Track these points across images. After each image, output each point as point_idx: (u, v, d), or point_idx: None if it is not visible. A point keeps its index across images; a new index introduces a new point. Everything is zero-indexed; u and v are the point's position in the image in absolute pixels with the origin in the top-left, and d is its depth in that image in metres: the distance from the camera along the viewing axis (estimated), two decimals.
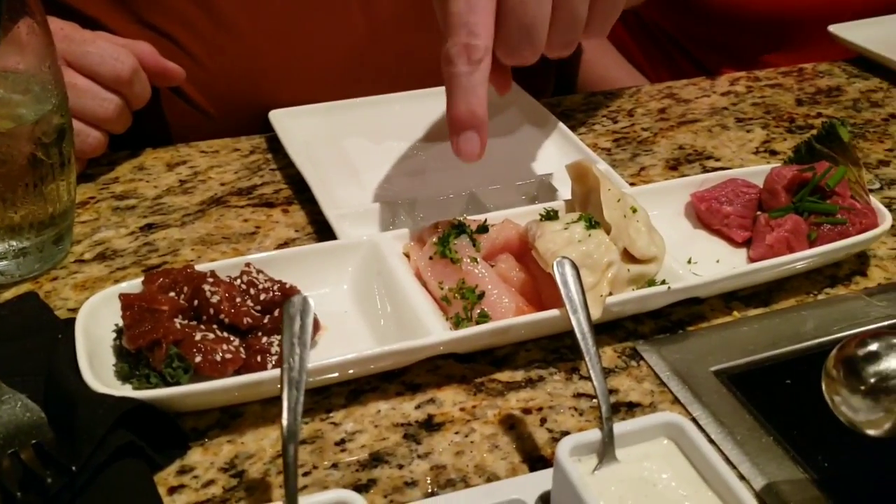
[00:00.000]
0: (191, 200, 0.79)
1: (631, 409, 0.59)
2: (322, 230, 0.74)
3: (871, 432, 0.48)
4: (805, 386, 0.61)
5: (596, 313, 0.60)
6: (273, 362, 0.57)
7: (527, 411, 0.58)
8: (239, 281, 0.60)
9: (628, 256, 0.65)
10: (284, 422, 0.45)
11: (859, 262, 0.73)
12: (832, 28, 1.07)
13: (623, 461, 0.49)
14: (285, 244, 0.73)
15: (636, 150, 0.89)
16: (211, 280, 0.59)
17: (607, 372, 0.62)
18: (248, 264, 0.62)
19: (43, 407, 0.53)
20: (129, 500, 0.50)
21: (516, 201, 0.78)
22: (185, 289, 0.59)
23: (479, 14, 0.63)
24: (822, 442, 0.57)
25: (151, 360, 0.56)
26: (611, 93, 1.01)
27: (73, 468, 0.48)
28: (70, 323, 0.59)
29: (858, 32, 1.07)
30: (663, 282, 0.64)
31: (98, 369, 0.56)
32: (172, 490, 0.52)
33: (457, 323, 0.62)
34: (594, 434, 0.49)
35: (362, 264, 0.66)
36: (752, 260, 0.71)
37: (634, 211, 0.67)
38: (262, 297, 0.60)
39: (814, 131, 0.78)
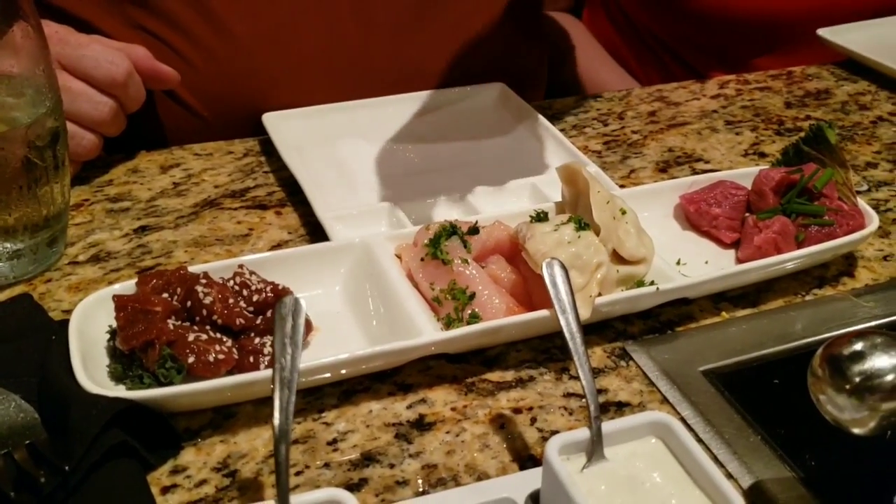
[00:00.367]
0: (184, 202, 0.79)
1: (620, 408, 0.60)
2: (315, 232, 0.74)
3: (856, 431, 0.49)
4: (792, 385, 0.61)
5: (585, 314, 0.61)
6: (265, 363, 0.58)
7: (517, 411, 0.59)
8: (232, 282, 0.61)
9: (617, 258, 0.65)
10: (276, 421, 0.45)
11: (847, 264, 0.74)
12: (821, 31, 1.08)
13: (611, 460, 0.49)
14: (278, 246, 0.74)
15: (626, 152, 0.90)
16: (204, 281, 0.60)
17: (597, 372, 0.62)
18: (241, 266, 0.62)
19: (37, 408, 0.53)
20: (122, 500, 0.50)
21: (508, 203, 0.78)
22: (179, 290, 0.60)
23: None
24: (808, 441, 0.57)
25: (145, 361, 0.57)
26: (601, 96, 1.02)
27: (67, 468, 0.49)
28: (64, 324, 0.59)
29: (847, 36, 1.08)
30: (652, 282, 0.65)
31: (92, 370, 0.56)
32: (165, 490, 0.53)
33: (448, 323, 0.62)
34: (583, 433, 0.49)
35: (355, 265, 0.67)
36: (740, 261, 0.72)
37: (623, 213, 0.67)
38: (255, 298, 0.60)
39: (802, 134, 0.79)
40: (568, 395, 0.60)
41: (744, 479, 0.55)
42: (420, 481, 0.54)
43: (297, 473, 0.54)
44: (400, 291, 0.63)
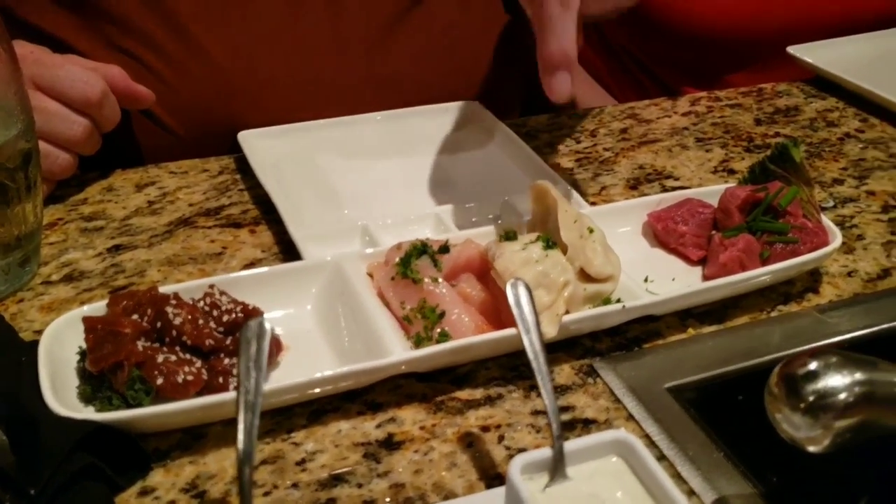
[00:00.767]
0: (158, 221, 0.80)
1: (587, 425, 0.61)
2: (288, 250, 0.75)
3: (811, 449, 0.50)
4: (756, 402, 0.62)
5: (552, 331, 0.62)
6: (235, 384, 0.58)
7: (485, 429, 0.60)
8: (202, 303, 0.61)
9: (585, 276, 0.66)
10: (240, 445, 0.46)
11: (812, 280, 0.75)
12: (791, 49, 1.10)
13: (573, 478, 0.50)
14: (251, 265, 0.74)
15: (598, 169, 0.91)
16: (174, 302, 0.60)
17: (564, 389, 0.63)
18: (211, 286, 0.63)
19: (4, 430, 0.53)
20: None
21: (480, 221, 0.79)
22: (149, 311, 0.60)
23: None
24: (771, 457, 0.58)
25: (114, 383, 0.57)
26: (575, 113, 1.03)
27: (33, 492, 0.49)
28: (34, 345, 0.59)
29: (816, 53, 1.10)
30: (619, 300, 0.66)
31: (61, 392, 0.56)
32: None
33: (417, 342, 0.63)
34: (545, 452, 0.50)
35: (326, 285, 0.68)
36: (706, 278, 0.73)
37: (591, 231, 0.68)
38: (225, 318, 0.61)
39: (769, 151, 0.81)
40: (536, 413, 0.61)
41: (707, 496, 0.56)
42: (388, 501, 0.55)
43: (266, 494, 0.55)
44: (370, 310, 0.64)
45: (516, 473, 0.48)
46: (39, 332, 0.62)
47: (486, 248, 0.67)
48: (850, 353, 0.50)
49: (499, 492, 0.52)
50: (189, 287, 0.63)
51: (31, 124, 0.68)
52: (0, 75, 0.64)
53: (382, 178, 0.86)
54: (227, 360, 0.59)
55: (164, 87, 0.87)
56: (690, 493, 0.56)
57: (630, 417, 0.61)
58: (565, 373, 0.65)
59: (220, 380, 0.58)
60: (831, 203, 0.87)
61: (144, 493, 0.54)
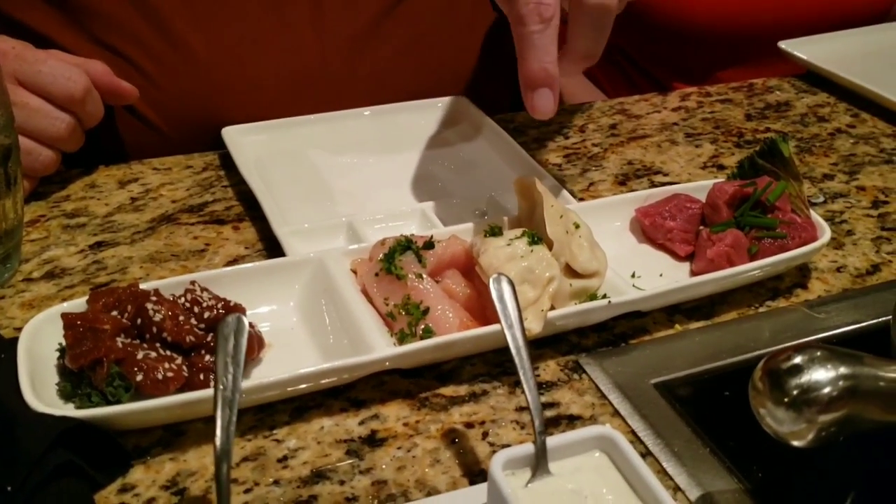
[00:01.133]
0: (141, 218, 0.79)
1: (572, 421, 0.60)
2: (272, 247, 0.74)
3: (795, 443, 0.49)
4: (743, 398, 0.62)
5: (537, 328, 0.61)
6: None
7: (469, 425, 0.59)
8: (183, 299, 0.61)
9: (571, 271, 0.66)
10: (217, 441, 0.45)
11: (801, 275, 0.75)
12: (782, 44, 1.10)
13: (556, 474, 0.50)
14: (235, 261, 0.74)
15: (586, 165, 0.91)
16: (154, 299, 0.59)
17: (549, 385, 0.63)
18: (192, 282, 0.62)
19: None
20: None
21: (467, 217, 0.79)
22: (129, 307, 0.59)
23: None
24: (757, 453, 0.58)
25: (93, 379, 0.56)
26: (564, 109, 1.02)
27: (9, 489, 0.48)
28: (13, 342, 0.59)
29: (807, 48, 1.10)
30: (605, 296, 0.66)
31: (40, 389, 0.56)
32: None
33: (401, 338, 0.63)
34: (528, 448, 0.50)
35: (309, 281, 0.67)
36: (694, 274, 0.72)
37: (577, 226, 0.68)
38: (206, 315, 0.60)
39: (759, 146, 0.80)
40: (520, 409, 0.61)
41: (692, 492, 0.55)
42: (370, 497, 0.54)
43: (247, 491, 0.54)
44: (354, 307, 0.64)
45: (498, 469, 0.48)
46: (20, 330, 0.61)
47: (472, 244, 0.67)
48: (835, 348, 0.49)
49: (481, 488, 0.52)
50: (170, 283, 0.63)
51: (11, 120, 0.67)
52: None
53: (368, 174, 0.86)
54: (208, 357, 0.59)
55: (147, 83, 0.86)
56: (676, 489, 0.55)
57: (616, 413, 0.61)
58: (551, 369, 0.64)
59: (202, 377, 0.58)
60: (821, 198, 0.87)
61: (124, 490, 0.54)
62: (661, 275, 0.72)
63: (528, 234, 0.65)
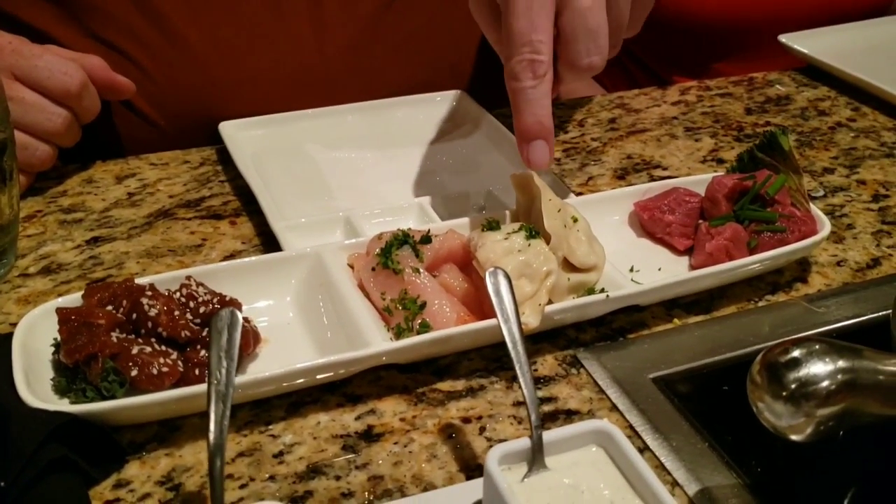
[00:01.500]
0: (138, 213, 0.79)
1: (569, 416, 0.60)
2: (269, 242, 0.74)
3: (793, 437, 0.49)
4: (741, 393, 0.61)
5: (534, 322, 0.61)
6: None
7: (466, 420, 0.59)
8: (178, 294, 0.60)
9: (569, 266, 0.66)
10: (211, 435, 0.45)
11: (800, 269, 0.75)
12: (782, 38, 1.09)
13: (553, 469, 0.49)
14: (231, 256, 0.73)
15: (585, 159, 0.90)
16: (150, 293, 0.59)
17: (547, 380, 0.62)
18: (188, 277, 0.62)
19: None
20: None
21: (465, 211, 0.78)
22: (124, 302, 0.59)
23: (541, 32, 0.66)
24: (755, 447, 0.57)
25: (88, 374, 0.56)
26: (563, 103, 1.02)
27: (3, 484, 0.48)
28: (9, 337, 0.58)
29: (807, 42, 1.09)
30: (603, 290, 0.65)
31: (35, 384, 0.56)
32: None
33: (398, 333, 0.62)
34: (524, 442, 0.49)
35: (306, 276, 0.67)
36: (693, 268, 0.72)
37: (575, 220, 0.67)
38: (202, 310, 0.60)
39: (758, 139, 0.80)
40: (517, 404, 0.60)
41: (690, 487, 0.55)
42: (366, 493, 0.54)
43: (242, 486, 0.54)
44: (351, 301, 0.63)
45: (494, 464, 0.48)
46: (15, 325, 0.61)
47: (469, 239, 0.67)
48: (834, 341, 0.49)
49: (478, 483, 0.51)
50: (165, 278, 0.62)
51: (6, 115, 0.67)
52: None
53: (365, 169, 0.86)
54: (203, 352, 0.58)
55: (144, 78, 0.86)
56: (674, 483, 0.55)
57: (614, 408, 0.60)
58: (549, 363, 0.64)
59: (197, 372, 0.57)
60: (821, 192, 0.86)
61: (119, 485, 0.54)
62: (659, 269, 0.72)
63: (526, 229, 0.65)
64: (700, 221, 0.74)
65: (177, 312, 0.59)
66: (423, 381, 0.62)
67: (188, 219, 0.78)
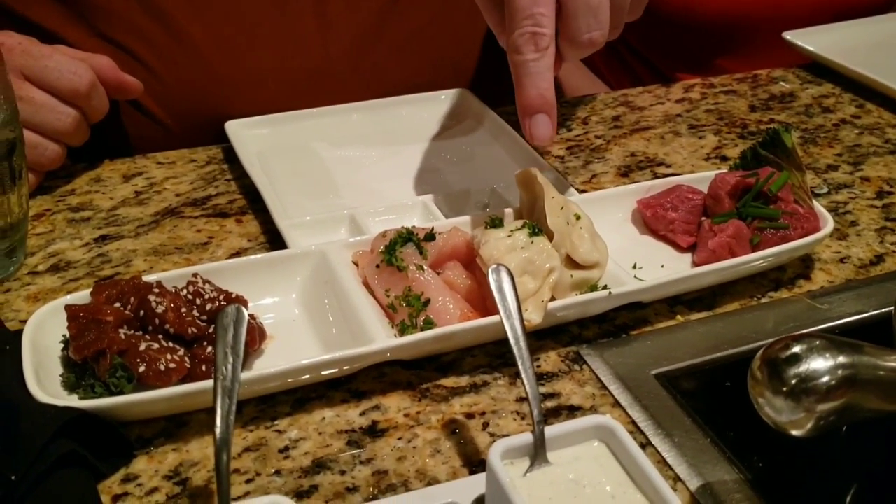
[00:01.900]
0: (145, 211, 0.79)
1: (572, 412, 0.60)
2: (275, 240, 0.75)
3: (794, 433, 0.49)
4: (743, 388, 0.62)
5: (537, 318, 0.61)
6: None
7: (470, 416, 0.60)
8: (185, 291, 0.61)
9: (571, 262, 0.66)
10: (217, 431, 0.45)
11: (803, 266, 0.75)
12: (787, 34, 1.09)
13: (555, 464, 0.50)
14: (237, 254, 0.74)
15: (589, 157, 0.91)
16: (157, 290, 0.60)
17: (550, 376, 0.63)
18: (195, 274, 0.63)
19: None
20: None
21: (469, 209, 0.79)
22: (132, 299, 0.60)
23: (543, 5, 0.67)
24: (757, 443, 0.58)
25: (97, 370, 0.57)
26: (567, 101, 1.02)
27: (13, 478, 0.49)
28: (18, 334, 0.59)
29: (812, 38, 1.09)
30: (605, 287, 0.66)
31: (45, 380, 0.56)
32: (116, 498, 0.53)
33: (402, 330, 0.63)
34: (526, 437, 0.50)
35: (311, 273, 0.67)
36: (695, 264, 0.72)
37: (578, 218, 0.68)
38: (208, 306, 0.61)
39: (761, 136, 0.80)
40: (520, 400, 0.61)
41: (692, 482, 0.55)
42: (370, 487, 0.54)
43: (248, 481, 0.55)
44: (355, 299, 0.64)
45: (496, 458, 0.48)
46: (25, 322, 0.62)
47: (472, 236, 0.67)
48: (834, 337, 0.49)
49: (481, 478, 0.52)
50: (172, 276, 0.63)
51: (16, 114, 0.67)
52: None
53: (370, 167, 0.86)
54: (210, 349, 0.59)
55: (151, 77, 0.87)
56: (676, 479, 0.55)
57: (616, 404, 0.61)
58: (552, 360, 0.64)
59: (203, 368, 0.58)
60: (825, 189, 0.86)
61: (127, 480, 0.54)
62: (662, 266, 0.72)
63: (529, 226, 0.65)
64: (703, 218, 0.74)
65: (184, 309, 0.59)
66: (427, 377, 0.62)
67: (195, 217, 0.79)
